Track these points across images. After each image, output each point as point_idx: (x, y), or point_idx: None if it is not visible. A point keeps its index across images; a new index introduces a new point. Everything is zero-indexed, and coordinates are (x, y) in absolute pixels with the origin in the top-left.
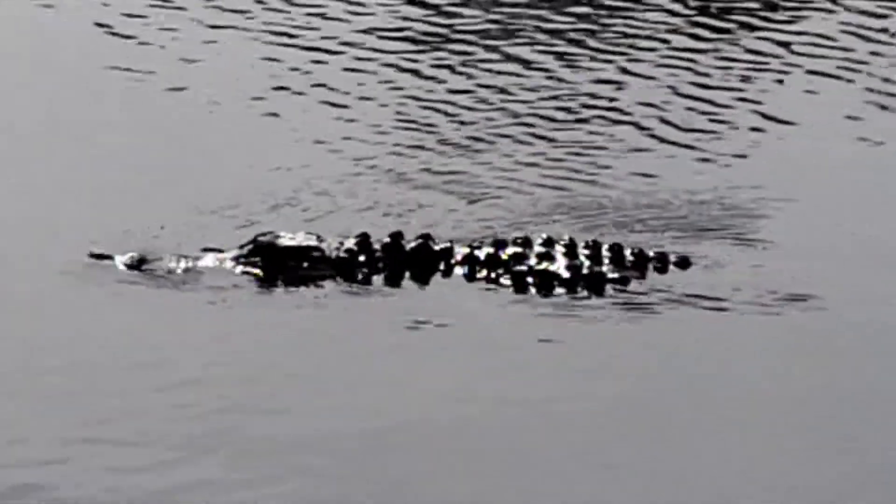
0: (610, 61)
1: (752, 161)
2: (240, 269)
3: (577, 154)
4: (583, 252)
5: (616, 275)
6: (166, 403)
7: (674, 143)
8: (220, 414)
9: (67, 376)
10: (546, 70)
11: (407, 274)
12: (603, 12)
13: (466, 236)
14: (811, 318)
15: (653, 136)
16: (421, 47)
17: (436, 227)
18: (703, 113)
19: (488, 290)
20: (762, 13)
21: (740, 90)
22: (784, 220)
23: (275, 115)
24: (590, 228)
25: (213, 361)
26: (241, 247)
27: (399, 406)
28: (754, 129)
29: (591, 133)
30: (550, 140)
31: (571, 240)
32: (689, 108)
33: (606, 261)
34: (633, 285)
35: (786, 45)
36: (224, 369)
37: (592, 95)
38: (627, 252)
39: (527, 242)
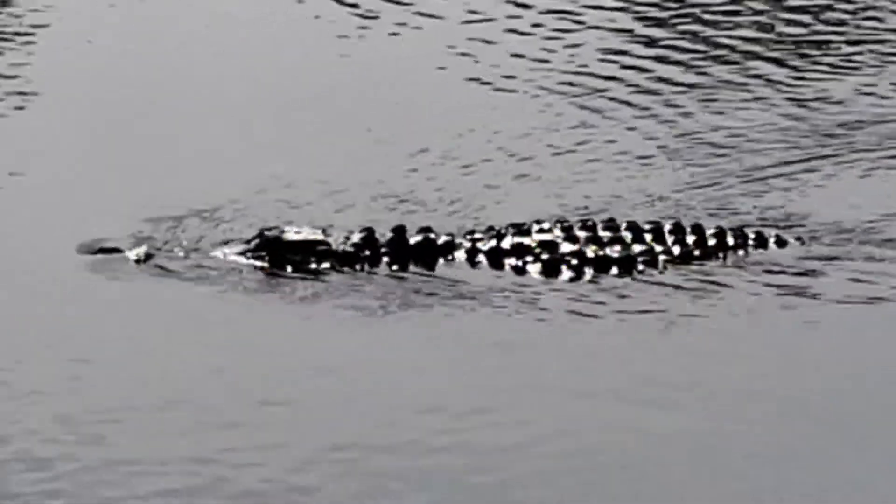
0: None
1: None
2: (246, 263)
3: None
4: (582, 234)
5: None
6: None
7: None
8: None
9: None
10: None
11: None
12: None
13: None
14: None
15: None
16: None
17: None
18: None
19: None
20: None
21: None
22: None
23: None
24: None
25: (218, 357)
26: (248, 241)
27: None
28: None
29: None
30: None
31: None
32: None
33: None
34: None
35: None
36: (233, 364)
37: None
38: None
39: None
